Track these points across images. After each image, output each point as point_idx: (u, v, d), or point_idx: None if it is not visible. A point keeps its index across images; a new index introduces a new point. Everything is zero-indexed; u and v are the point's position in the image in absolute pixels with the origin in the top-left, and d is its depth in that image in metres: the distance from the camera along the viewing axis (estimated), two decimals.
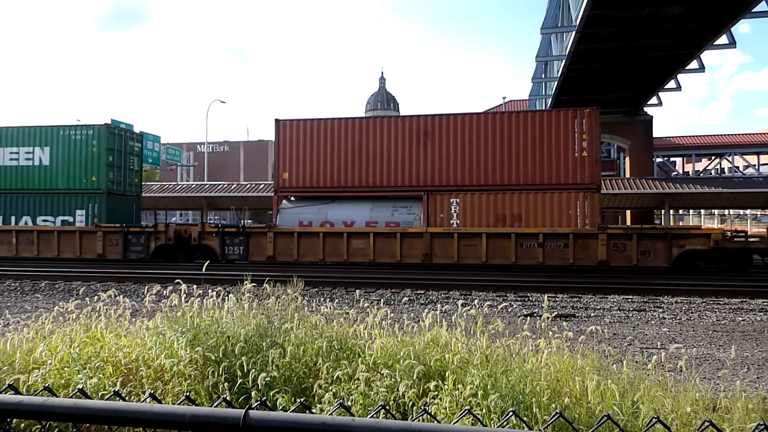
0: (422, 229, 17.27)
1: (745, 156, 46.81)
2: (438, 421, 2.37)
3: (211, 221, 43.49)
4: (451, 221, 17.51)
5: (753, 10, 19.52)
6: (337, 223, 18.16)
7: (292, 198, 19.22)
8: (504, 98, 43.46)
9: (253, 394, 3.75)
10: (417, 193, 17.92)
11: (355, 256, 17.41)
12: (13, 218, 20.27)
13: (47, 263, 18.11)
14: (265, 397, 3.67)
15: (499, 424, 3.13)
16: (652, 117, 33.78)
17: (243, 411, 1.37)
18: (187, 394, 2.48)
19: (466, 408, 2.10)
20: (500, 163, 17.40)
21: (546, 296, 7.10)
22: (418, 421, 1.61)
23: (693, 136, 47.10)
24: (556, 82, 28.12)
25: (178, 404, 1.64)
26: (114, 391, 2.14)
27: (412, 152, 18.01)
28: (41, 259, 19.31)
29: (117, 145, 20.62)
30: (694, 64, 25.43)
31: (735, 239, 16.02)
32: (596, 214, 16.74)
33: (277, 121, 18.95)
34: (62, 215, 20.01)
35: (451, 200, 17.56)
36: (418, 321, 4.80)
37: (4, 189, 20.52)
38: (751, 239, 16.27)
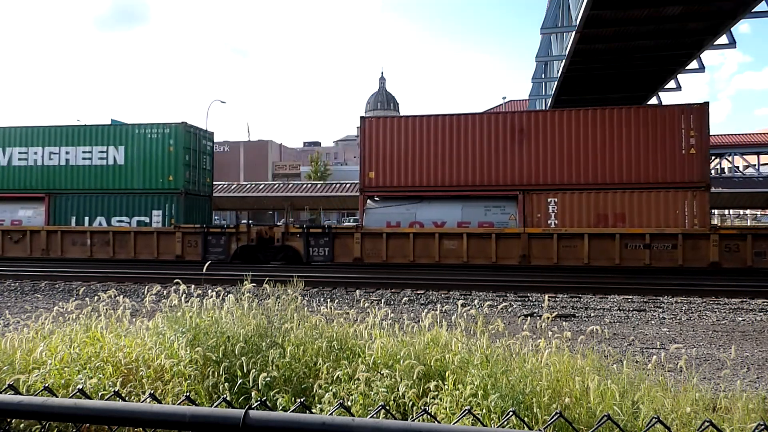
0: (519, 229, 16.75)
1: (745, 156, 46.83)
2: (438, 421, 2.37)
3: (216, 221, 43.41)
4: (549, 221, 16.95)
5: (753, 10, 19.49)
6: (426, 223, 17.66)
7: (377, 198, 18.60)
8: (504, 98, 43.49)
9: (253, 394, 3.75)
10: (511, 193, 17.38)
11: (447, 258, 16.96)
12: (86, 219, 19.71)
13: (47, 264, 18.09)
14: (265, 397, 3.67)
15: (499, 424, 3.13)
16: None
17: (243, 411, 1.37)
18: (187, 394, 2.48)
19: (466, 408, 2.10)
20: (602, 160, 16.81)
21: (546, 296, 7.10)
22: (418, 421, 1.61)
23: None
24: (556, 82, 28.11)
25: (178, 404, 1.64)
26: (114, 391, 2.14)
27: (506, 150, 17.42)
28: (47, 260, 19.29)
29: (192, 143, 20.07)
30: (694, 64, 25.42)
31: None
32: (706, 213, 16.23)
33: (362, 118, 18.44)
34: (138, 216, 19.46)
35: (549, 199, 17.02)
36: (418, 321, 4.80)
37: (77, 189, 19.94)
38: None
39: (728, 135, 47.13)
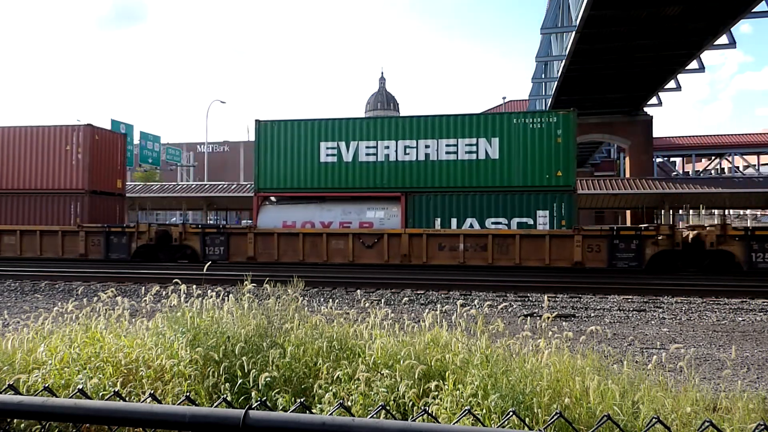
0: None
1: (745, 156, 46.84)
2: (438, 421, 2.37)
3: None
4: None
5: (753, 10, 19.53)
6: None
7: None
8: (504, 98, 43.48)
9: (253, 394, 3.74)
10: None
11: None
12: (453, 221, 17.76)
13: (48, 263, 18.08)
14: (265, 397, 3.67)
15: (499, 424, 3.13)
16: (651, 117, 33.82)
17: (243, 411, 1.37)
18: (187, 394, 2.48)
19: (467, 408, 2.10)
20: None
21: (546, 296, 7.11)
22: (418, 421, 1.61)
23: (693, 136, 47.13)
24: (556, 82, 28.13)
25: (178, 404, 1.64)
26: (114, 391, 2.13)
27: None
28: (42, 259, 19.26)
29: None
30: (694, 64, 25.46)
31: None
32: None
33: None
34: (518, 217, 17.32)
35: None
36: (419, 321, 4.80)
37: (441, 187, 17.95)
38: None
39: (728, 135, 47.11)
